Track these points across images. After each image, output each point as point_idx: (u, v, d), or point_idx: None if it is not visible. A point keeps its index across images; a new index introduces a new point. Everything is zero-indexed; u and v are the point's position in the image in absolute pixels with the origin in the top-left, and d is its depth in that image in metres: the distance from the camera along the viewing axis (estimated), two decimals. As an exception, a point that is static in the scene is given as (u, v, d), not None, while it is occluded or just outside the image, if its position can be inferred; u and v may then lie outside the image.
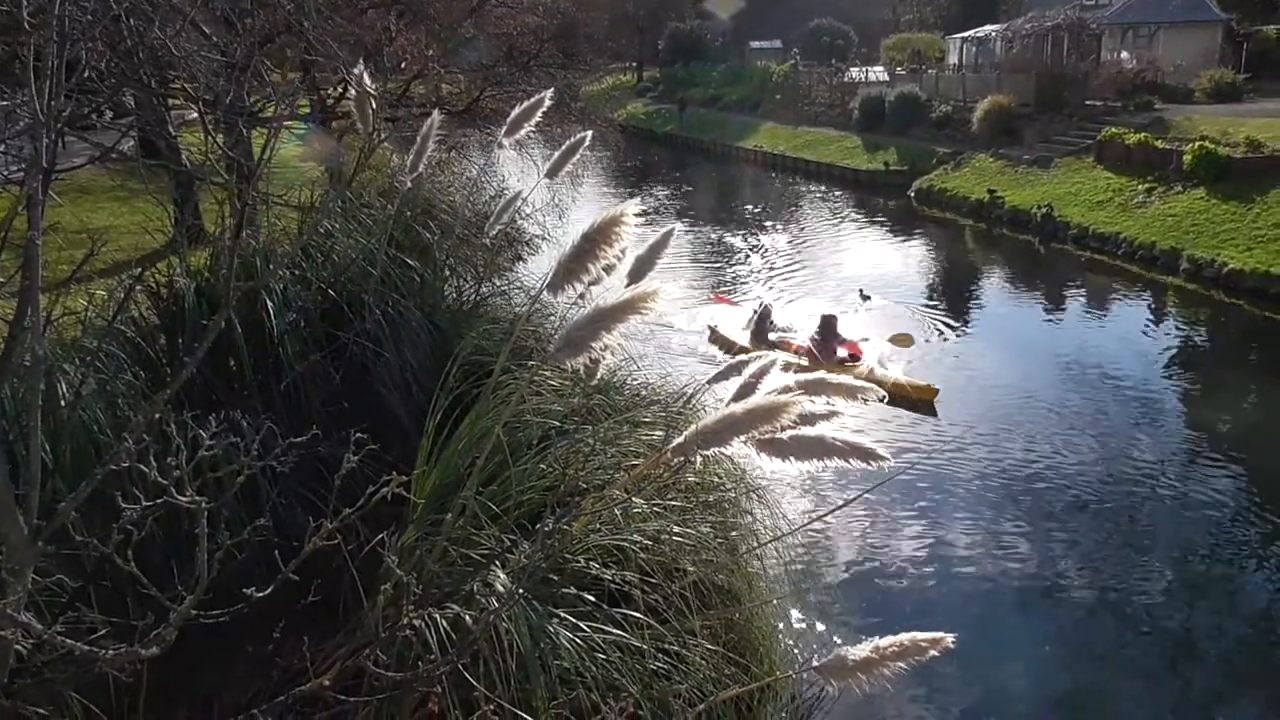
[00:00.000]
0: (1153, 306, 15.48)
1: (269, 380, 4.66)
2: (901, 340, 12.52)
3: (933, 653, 2.52)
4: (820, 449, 2.69)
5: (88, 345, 4.15)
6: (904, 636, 2.56)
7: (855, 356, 11.59)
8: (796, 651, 5.29)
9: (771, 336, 12.33)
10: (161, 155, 8.13)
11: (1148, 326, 14.41)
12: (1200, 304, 15.21)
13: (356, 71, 4.78)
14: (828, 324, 12.09)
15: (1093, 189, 20.53)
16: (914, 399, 10.39)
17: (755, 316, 12.68)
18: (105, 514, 3.24)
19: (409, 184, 4.95)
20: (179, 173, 8.44)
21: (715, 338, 12.76)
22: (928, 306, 15.23)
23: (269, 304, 4.64)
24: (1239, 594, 6.95)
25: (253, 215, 5.32)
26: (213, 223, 5.48)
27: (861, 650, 2.56)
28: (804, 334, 12.38)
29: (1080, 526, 7.90)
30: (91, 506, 2.91)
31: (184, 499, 1.92)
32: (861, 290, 15.24)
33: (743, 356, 3.62)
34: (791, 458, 2.67)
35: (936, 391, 10.48)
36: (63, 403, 3.67)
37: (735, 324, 12.95)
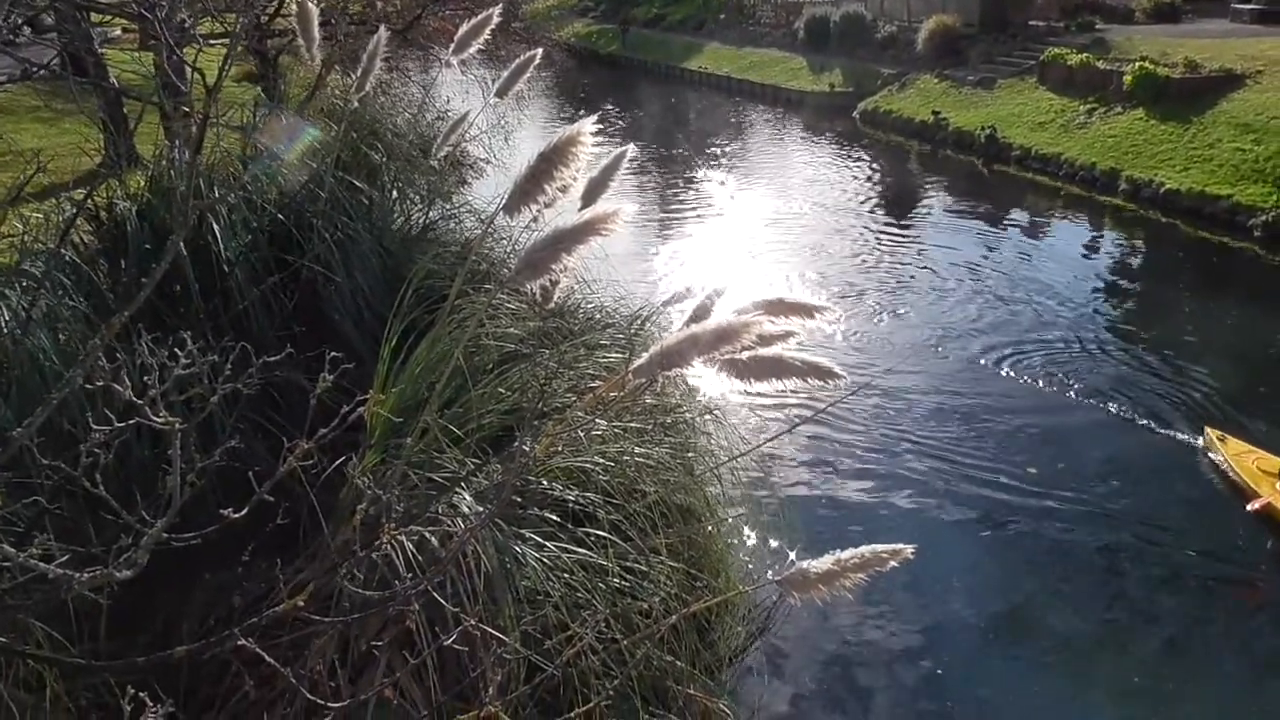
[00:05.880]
0: (1092, 227, 15.73)
1: (218, 305, 4.56)
2: None
3: (893, 563, 2.58)
4: (778, 368, 2.70)
5: (31, 271, 4.01)
6: (864, 549, 2.59)
7: None
8: (751, 567, 5.41)
9: None
10: (89, 73, 7.79)
11: (1086, 247, 14.65)
12: (1138, 224, 15.48)
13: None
14: None
15: (1035, 110, 20.66)
16: None
17: None
18: (56, 442, 3.19)
19: (355, 104, 4.81)
20: (108, 91, 8.11)
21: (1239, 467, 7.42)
22: (870, 227, 15.33)
23: (215, 227, 4.52)
24: (1170, 504, 7.23)
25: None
26: (149, 143, 5.29)
27: (823, 563, 2.59)
28: None
29: (1021, 443, 8.14)
30: (41, 434, 2.85)
31: (159, 420, 1.88)
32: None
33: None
34: (750, 377, 2.68)
35: None
36: (4, 330, 3.57)
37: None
